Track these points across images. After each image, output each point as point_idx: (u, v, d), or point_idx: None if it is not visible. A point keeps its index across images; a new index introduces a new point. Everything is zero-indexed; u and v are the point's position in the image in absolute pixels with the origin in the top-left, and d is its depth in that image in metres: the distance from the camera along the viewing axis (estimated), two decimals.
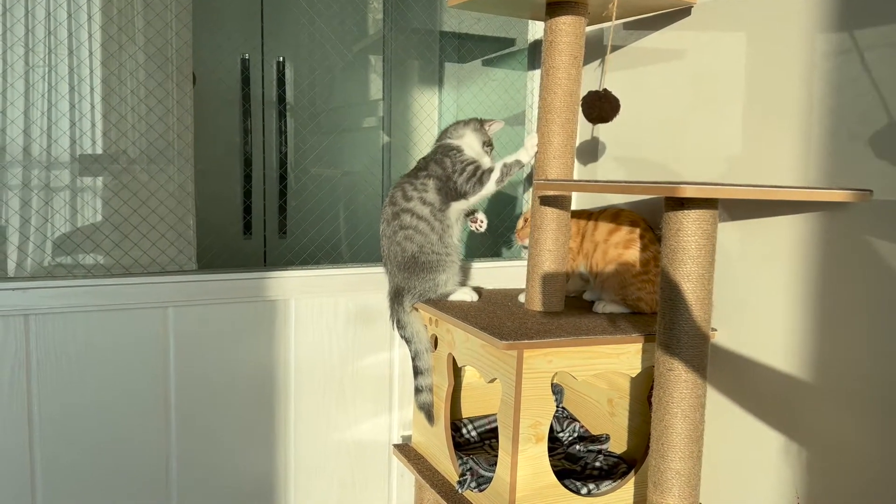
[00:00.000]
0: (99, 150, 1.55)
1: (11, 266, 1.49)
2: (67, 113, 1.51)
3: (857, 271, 1.19)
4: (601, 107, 1.51)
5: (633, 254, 1.50)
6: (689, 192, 1.09)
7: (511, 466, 1.33)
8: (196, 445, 1.61)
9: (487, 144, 1.64)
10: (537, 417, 1.33)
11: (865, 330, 1.18)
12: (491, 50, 2.46)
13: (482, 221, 1.64)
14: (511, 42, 2.38)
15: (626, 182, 1.25)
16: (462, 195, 1.56)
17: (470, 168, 1.55)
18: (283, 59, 2.49)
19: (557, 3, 1.48)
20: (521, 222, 1.70)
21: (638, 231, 1.52)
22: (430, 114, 2.62)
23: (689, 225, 1.16)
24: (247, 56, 2.43)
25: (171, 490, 1.59)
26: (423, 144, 2.60)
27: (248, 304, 1.63)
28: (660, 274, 1.51)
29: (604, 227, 1.56)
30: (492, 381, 1.40)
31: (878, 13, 1.15)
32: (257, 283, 1.63)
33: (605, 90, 1.51)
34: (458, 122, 1.66)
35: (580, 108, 1.53)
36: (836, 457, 1.23)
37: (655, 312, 1.50)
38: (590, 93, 1.52)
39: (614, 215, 1.57)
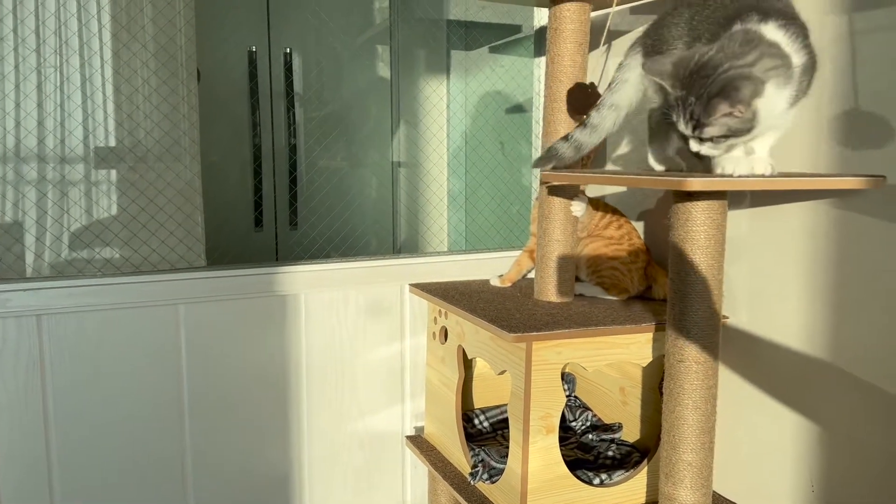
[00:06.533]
0: (107, 148, 1.55)
1: (22, 267, 1.50)
2: (73, 112, 1.52)
3: (872, 257, 1.17)
4: (586, 101, 1.42)
5: (610, 241, 1.56)
6: (695, 185, 1.07)
7: (522, 458, 1.33)
8: (211, 440, 1.62)
9: None
10: (547, 409, 1.33)
11: (882, 315, 1.16)
12: (497, 37, 2.44)
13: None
14: (517, 29, 2.36)
15: (632, 174, 1.24)
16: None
17: None
18: (290, 50, 2.48)
19: None
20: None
21: (617, 218, 1.58)
22: (437, 103, 2.60)
23: (697, 215, 1.15)
24: (253, 48, 2.42)
25: (186, 485, 1.60)
26: (432, 134, 2.59)
27: (259, 300, 1.63)
28: (634, 260, 1.54)
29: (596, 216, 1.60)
30: (501, 373, 1.40)
31: None
32: (267, 279, 1.63)
33: (591, 84, 1.45)
34: None
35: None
36: (853, 444, 1.21)
37: (626, 295, 1.55)
38: (577, 85, 1.46)
39: (595, 204, 1.60)
